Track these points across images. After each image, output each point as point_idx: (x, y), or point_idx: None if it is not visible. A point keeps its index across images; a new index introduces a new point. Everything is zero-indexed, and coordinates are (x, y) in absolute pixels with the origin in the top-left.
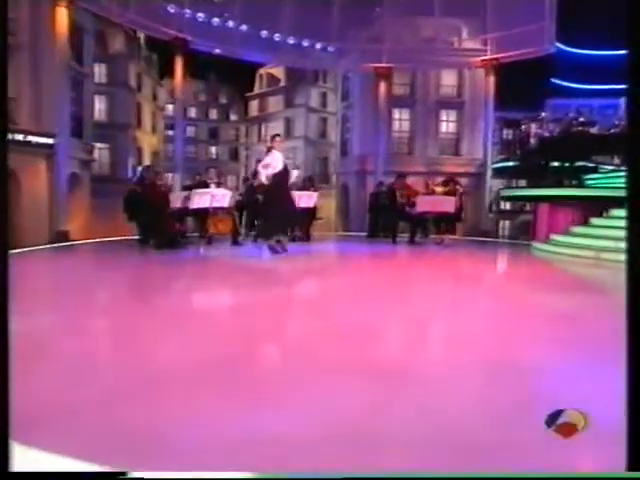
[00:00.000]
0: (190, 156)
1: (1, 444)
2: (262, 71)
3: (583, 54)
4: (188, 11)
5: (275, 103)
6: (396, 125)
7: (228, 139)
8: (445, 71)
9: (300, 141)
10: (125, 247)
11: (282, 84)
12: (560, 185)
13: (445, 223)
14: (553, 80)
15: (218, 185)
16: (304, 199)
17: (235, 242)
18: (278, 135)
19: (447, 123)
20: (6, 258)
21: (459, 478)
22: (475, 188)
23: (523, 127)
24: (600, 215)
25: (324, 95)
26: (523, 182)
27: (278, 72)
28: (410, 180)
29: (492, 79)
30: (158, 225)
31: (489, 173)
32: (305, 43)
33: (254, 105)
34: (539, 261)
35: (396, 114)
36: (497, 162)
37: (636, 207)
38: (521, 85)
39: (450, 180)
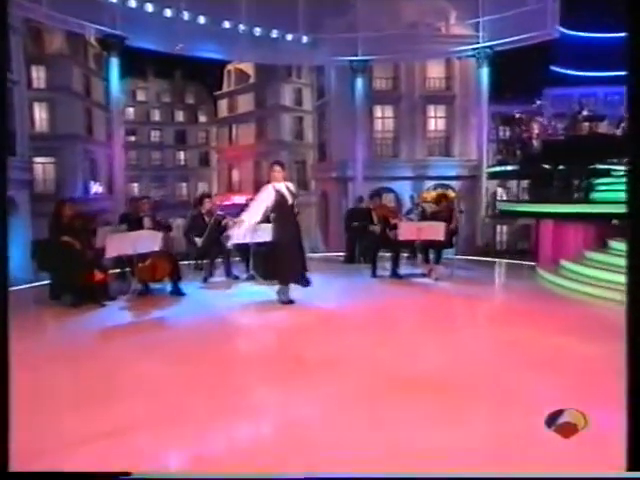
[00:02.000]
0: (156, 163)
1: (1, 444)
2: (230, 67)
3: (585, 37)
4: (132, 2)
5: (245, 102)
6: (378, 124)
7: (197, 143)
8: (432, 62)
9: (274, 144)
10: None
11: (252, 81)
12: (568, 194)
13: (434, 251)
14: (553, 68)
15: (153, 221)
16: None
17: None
18: (278, 163)
19: (436, 120)
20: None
21: (460, 478)
22: (469, 193)
23: (523, 125)
24: (620, 235)
25: (299, 92)
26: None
27: (247, 67)
28: (397, 184)
29: (486, 70)
30: (72, 273)
31: (485, 176)
32: (274, 34)
33: (223, 105)
34: (550, 302)
35: (378, 112)
36: (493, 165)
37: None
38: (517, 75)
39: (443, 197)
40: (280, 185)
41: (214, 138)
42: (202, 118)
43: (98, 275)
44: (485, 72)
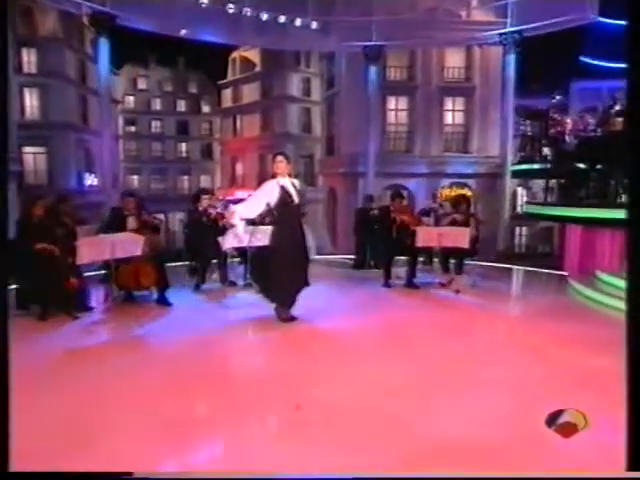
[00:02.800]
0: (156, 155)
1: (1, 444)
2: (235, 54)
3: (618, 25)
4: None
5: (250, 92)
6: (391, 117)
7: (200, 134)
8: (450, 50)
9: (280, 136)
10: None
11: (258, 69)
12: (606, 197)
13: (455, 259)
14: (582, 59)
15: (138, 220)
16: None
17: (197, 287)
18: (281, 154)
19: (453, 113)
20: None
21: (460, 478)
22: (487, 192)
23: (551, 119)
24: None
25: (307, 81)
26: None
27: (253, 55)
28: (410, 182)
29: (513, 57)
30: (44, 281)
31: (508, 175)
32: (282, 19)
33: (227, 95)
34: (596, 325)
35: (391, 103)
36: (518, 163)
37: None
38: (543, 65)
39: (462, 199)
40: (285, 180)
41: (217, 129)
42: (205, 108)
43: (72, 282)
44: (512, 59)
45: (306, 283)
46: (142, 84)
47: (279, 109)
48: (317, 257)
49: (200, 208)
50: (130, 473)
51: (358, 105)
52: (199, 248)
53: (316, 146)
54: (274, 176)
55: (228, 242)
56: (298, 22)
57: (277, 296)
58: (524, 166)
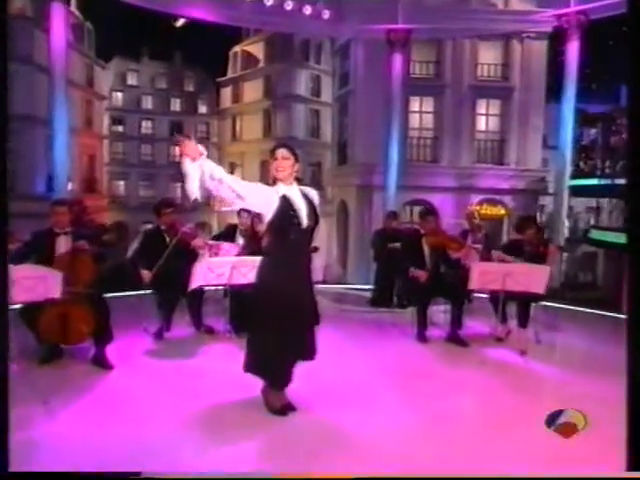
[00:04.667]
0: (146, 159)
1: (1, 444)
2: (237, 49)
3: None
4: None
5: (252, 90)
6: (415, 120)
7: (196, 137)
8: (485, 44)
9: (284, 141)
10: None
11: (261, 65)
12: None
13: (518, 305)
14: None
15: (74, 235)
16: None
17: (159, 335)
18: (284, 147)
19: (487, 118)
20: None
21: (460, 479)
22: (525, 211)
23: (615, 126)
24: None
25: (317, 80)
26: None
27: (256, 50)
28: (435, 197)
29: (576, 45)
30: None
31: (566, 191)
32: (289, 6)
33: (227, 93)
34: None
35: (415, 104)
36: (576, 177)
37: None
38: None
39: (529, 222)
40: (290, 189)
41: (215, 132)
42: (202, 108)
43: None
44: (575, 48)
45: (309, 354)
46: (132, 79)
47: (284, 110)
48: (323, 287)
49: (163, 226)
50: (138, 473)
51: (376, 105)
52: (161, 280)
53: (325, 153)
54: (274, 182)
55: (197, 278)
56: (307, 10)
57: (262, 369)
58: (586, 181)
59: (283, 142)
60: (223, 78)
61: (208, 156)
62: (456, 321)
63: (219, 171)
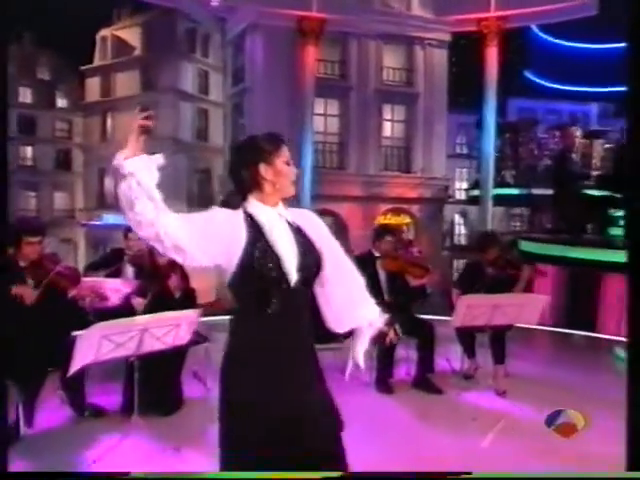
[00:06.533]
0: None
1: (1, 444)
2: (105, 32)
3: (564, 46)
4: None
5: (127, 82)
6: (319, 124)
7: (54, 136)
8: (390, 47)
9: (167, 143)
10: None
11: (137, 53)
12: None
13: (493, 337)
14: (527, 74)
15: None
16: None
17: None
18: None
19: (393, 124)
20: None
21: (460, 479)
22: (431, 221)
23: (522, 136)
24: None
25: (205, 76)
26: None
27: (131, 35)
28: (342, 206)
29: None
30: None
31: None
32: None
33: (94, 85)
34: None
35: (319, 107)
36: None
37: None
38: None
39: (491, 236)
40: (262, 210)
41: (79, 131)
42: (61, 102)
43: None
44: (494, 54)
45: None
46: None
47: (166, 107)
48: (216, 319)
49: (22, 262)
50: (126, 473)
51: (279, 105)
52: (19, 357)
53: (215, 158)
54: (226, 204)
55: (84, 354)
56: None
57: None
58: (510, 190)
59: (275, 133)
60: (88, 66)
61: (70, 159)
62: (427, 363)
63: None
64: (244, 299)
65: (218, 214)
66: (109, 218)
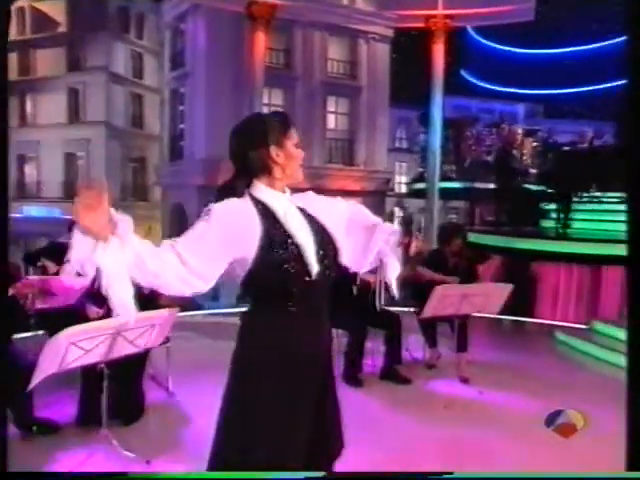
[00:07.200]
0: None
1: (1, 444)
2: (23, 3)
3: (496, 48)
4: None
5: (50, 61)
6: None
7: None
8: (334, 39)
9: (98, 129)
10: None
11: (62, 29)
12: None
13: (459, 327)
14: (463, 73)
15: None
16: None
17: None
18: (292, 122)
19: (337, 116)
20: None
21: (460, 478)
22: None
23: (499, 131)
24: None
25: (139, 58)
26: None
27: (53, 9)
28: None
29: (442, 47)
30: None
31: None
32: None
33: (10, 62)
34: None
35: (264, 96)
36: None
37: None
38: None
39: (456, 228)
40: (277, 199)
41: None
42: None
43: None
44: (441, 51)
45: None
46: None
47: (96, 89)
48: (184, 314)
49: None
50: (125, 473)
51: (222, 91)
52: None
53: (150, 146)
54: (230, 189)
55: (49, 363)
56: None
57: None
58: (453, 184)
59: (281, 111)
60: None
61: None
62: (395, 354)
63: (150, 252)
64: (261, 296)
65: (224, 216)
66: (31, 210)
